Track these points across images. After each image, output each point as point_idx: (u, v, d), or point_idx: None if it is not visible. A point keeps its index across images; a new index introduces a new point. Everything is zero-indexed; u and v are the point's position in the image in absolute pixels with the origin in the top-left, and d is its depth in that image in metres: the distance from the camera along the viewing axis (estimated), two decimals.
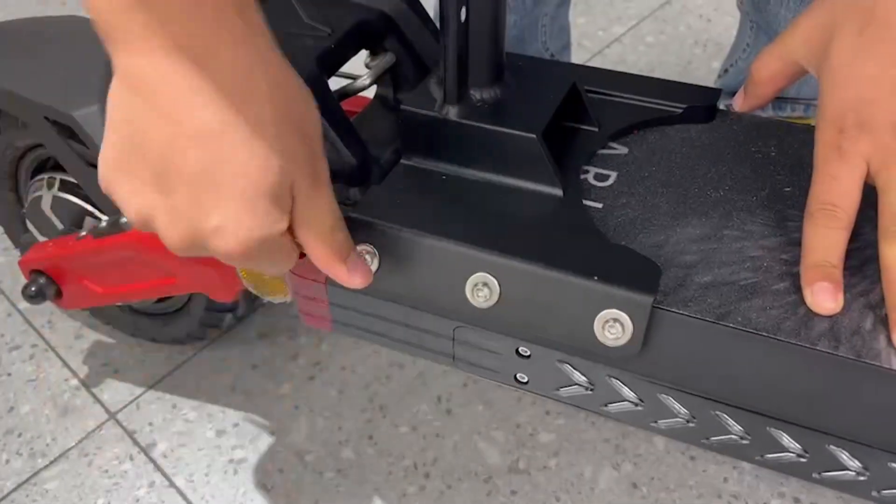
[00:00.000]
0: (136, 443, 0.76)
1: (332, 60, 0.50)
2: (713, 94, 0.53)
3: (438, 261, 0.42)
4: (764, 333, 0.38)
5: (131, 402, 0.80)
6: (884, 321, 0.38)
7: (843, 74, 0.41)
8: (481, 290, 0.41)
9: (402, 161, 0.48)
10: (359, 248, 0.44)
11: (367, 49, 0.54)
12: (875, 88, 0.40)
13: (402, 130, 0.48)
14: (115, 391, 0.81)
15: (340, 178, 0.47)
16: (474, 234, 0.42)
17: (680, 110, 0.52)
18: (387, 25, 0.53)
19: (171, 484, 0.73)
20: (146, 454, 0.75)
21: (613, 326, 0.39)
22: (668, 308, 0.39)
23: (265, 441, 0.75)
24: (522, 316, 0.41)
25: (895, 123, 0.39)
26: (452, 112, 0.45)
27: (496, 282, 0.41)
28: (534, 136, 0.44)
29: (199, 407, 0.79)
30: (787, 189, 0.46)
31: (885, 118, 0.39)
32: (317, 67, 0.48)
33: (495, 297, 0.41)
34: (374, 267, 0.44)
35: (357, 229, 0.44)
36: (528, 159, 0.45)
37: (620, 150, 0.50)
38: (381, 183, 0.47)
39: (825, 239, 0.40)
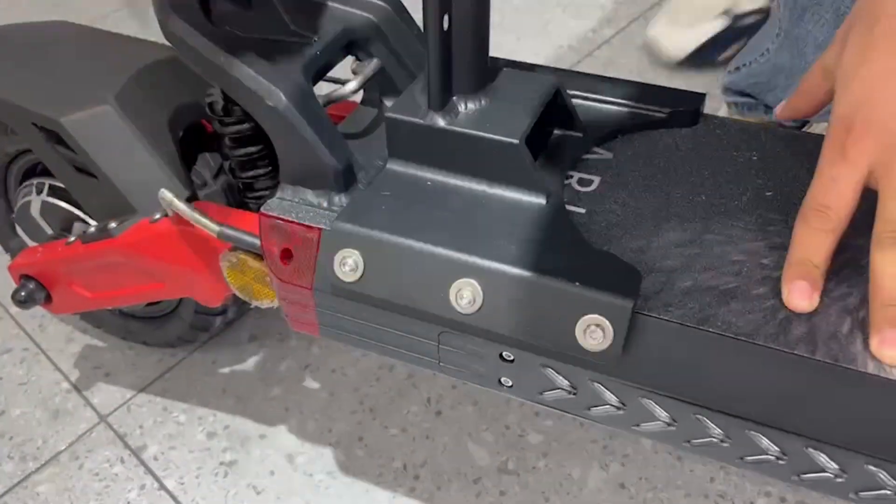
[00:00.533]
0: (126, 445, 0.77)
1: (318, 67, 0.50)
2: (697, 98, 0.53)
3: (422, 266, 0.43)
4: (743, 338, 0.38)
5: (122, 404, 0.80)
6: (861, 325, 0.38)
7: (853, 73, 0.41)
8: (465, 295, 0.42)
9: (387, 166, 0.49)
10: (342, 252, 0.44)
11: (353, 55, 0.55)
12: (883, 87, 0.39)
13: (388, 136, 0.48)
14: (106, 394, 0.81)
15: (326, 184, 0.47)
16: (458, 239, 0.43)
17: (664, 115, 0.52)
18: (373, 32, 0.53)
19: (162, 486, 0.73)
20: (137, 457, 0.76)
21: (595, 331, 0.39)
22: (649, 313, 0.39)
23: (256, 443, 0.76)
24: (505, 321, 0.42)
25: None
26: (436, 119, 0.46)
27: (479, 287, 0.42)
28: (516, 141, 0.44)
29: (190, 409, 0.79)
30: (769, 193, 0.47)
31: (892, 118, 0.38)
32: (302, 74, 0.48)
33: (479, 303, 0.42)
34: (358, 273, 0.44)
35: (342, 235, 0.44)
36: (512, 165, 0.45)
37: (605, 154, 0.51)
38: (366, 189, 0.47)
39: (813, 240, 0.40)
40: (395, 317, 0.45)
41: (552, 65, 1.06)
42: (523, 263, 0.41)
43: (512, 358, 0.44)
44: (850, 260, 0.41)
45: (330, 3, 0.53)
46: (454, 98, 0.47)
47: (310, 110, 0.46)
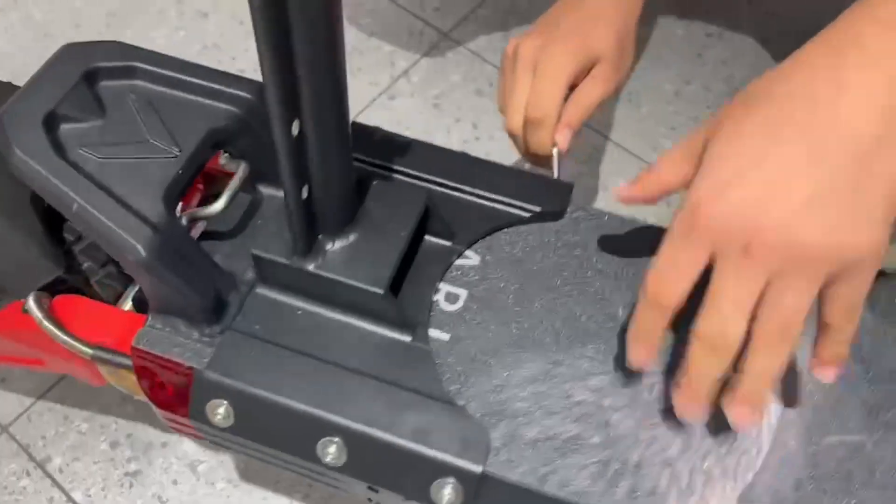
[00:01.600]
0: (31, 457, 0.79)
1: (182, 185, 0.49)
2: (565, 188, 0.54)
3: (289, 422, 0.45)
4: (574, 499, 0.43)
5: (22, 413, 0.81)
6: (677, 478, 0.44)
7: (718, 156, 0.39)
8: (330, 451, 0.45)
9: (256, 290, 0.49)
10: (214, 402, 0.46)
11: (223, 150, 0.53)
12: (746, 173, 0.37)
13: (255, 266, 0.48)
14: (4, 402, 0.82)
15: (194, 318, 0.48)
16: (323, 395, 0.45)
17: (530, 213, 0.53)
18: (240, 125, 0.52)
19: (70, 499, 0.77)
20: (42, 469, 0.78)
21: (447, 492, 0.44)
22: (494, 473, 0.44)
23: (158, 452, 0.79)
24: (369, 474, 0.45)
25: (776, 225, 0.36)
26: (303, 263, 0.46)
27: (344, 444, 0.45)
28: (381, 291, 0.46)
29: (91, 418, 0.81)
30: (623, 308, 0.50)
31: (747, 206, 0.37)
32: (163, 203, 0.47)
33: (344, 458, 0.45)
34: (230, 420, 0.46)
35: (211, 386, 0.46)
36: (377, 308, 0.47)
37: (473, 259, 0.52)
38: (236, 321, 0.48)
39: (649, 316, 0.41)
40: (271, 452, 0.48)
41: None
42: (384, 425, 0.44)
43: (378, 490, 0.48)
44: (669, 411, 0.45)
45: (190, 98, 0.51)
46: (320, 237, 0.47)
47: (172, 251, 0.46)
